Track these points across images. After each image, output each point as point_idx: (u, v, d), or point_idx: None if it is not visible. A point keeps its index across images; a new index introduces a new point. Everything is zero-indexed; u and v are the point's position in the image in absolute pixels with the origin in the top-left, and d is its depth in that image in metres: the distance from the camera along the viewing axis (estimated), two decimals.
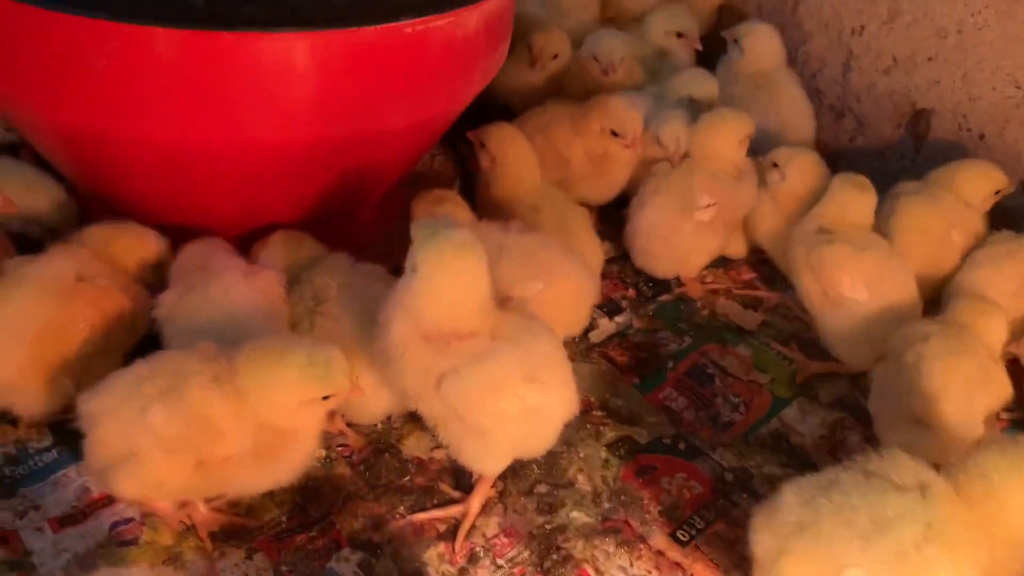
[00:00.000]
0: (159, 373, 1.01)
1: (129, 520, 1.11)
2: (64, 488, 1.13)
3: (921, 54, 1.72)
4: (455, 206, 1.32)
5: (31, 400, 1.14)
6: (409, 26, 1.07)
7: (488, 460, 1.11)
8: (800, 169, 1.51)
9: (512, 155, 1.43)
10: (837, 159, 1.80)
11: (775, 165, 1.54)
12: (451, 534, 1.14)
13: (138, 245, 1.24)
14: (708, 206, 1.53)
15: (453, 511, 1.15)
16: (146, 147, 1.10)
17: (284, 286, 1.17)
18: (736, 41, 1.78)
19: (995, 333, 1.24)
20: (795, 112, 1.76)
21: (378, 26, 1.04)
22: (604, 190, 1.63)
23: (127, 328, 1.19)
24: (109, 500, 1.12)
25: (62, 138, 1.17)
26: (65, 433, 1.19)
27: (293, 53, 1.02)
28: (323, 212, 1.29)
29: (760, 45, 1.77)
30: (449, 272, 0.99)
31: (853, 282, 1.35)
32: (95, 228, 1.23)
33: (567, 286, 1.31)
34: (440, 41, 1.12)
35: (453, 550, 1.11)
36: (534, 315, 1.10)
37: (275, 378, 0.99)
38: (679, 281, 1.63)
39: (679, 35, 1.87)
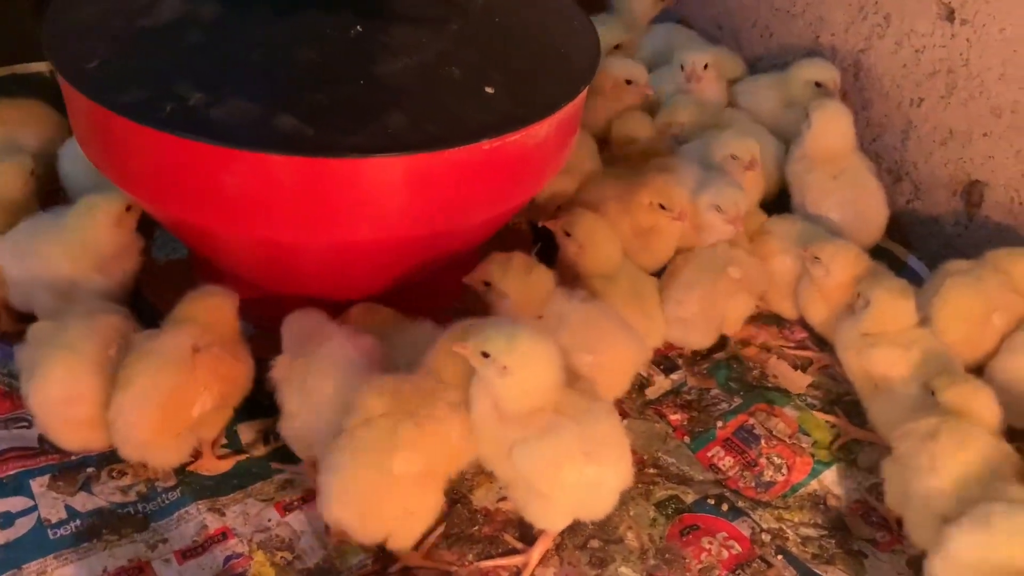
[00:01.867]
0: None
1: (240, 555, 1.30)
2: (186, 523, 1.33)
3: (977, 130, 1.80)
4: (538, 271, 1.46)
5: (163, 454, 1.34)
6: (487, 144, 1.22)
7: (549, 519, 1.28)
8: (843, 264, 1.61)
9: (600, 240, 1.57)
10: (894, 221, 1.89)
11: (817, 259, 1.63)
12: None
13: (228, 307, 1.39)
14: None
15: (516, 560, 1.31)
16: (261, 245, 1.29)
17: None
18: (807, 115, 1.83)
19: (990, 410, 1.33)
20: (871, 205, 1.83)
21: (461, 147, 1.20)
22: (651, 262, 1.73)
23: (238, 386, 1.38)
24: (223, 536, 1.32)
25: (192, 234, 1.37)
26: (185, 475, 1.40)
27: (390, 173, 1.19)
28: (407, 286, 1.45)
29: (830, 123, 1.82)
30: (533, 372, 1.17)
31: (904, 380, 1.44)
32: (192, 303, 1.37)
33: (618, 355, 1.45)
34: (514, 152, 1.27)
35: None
36: (596, 394, 1.26)
37: None
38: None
39: None
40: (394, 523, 1.21)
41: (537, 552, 1.31)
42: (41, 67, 2.05)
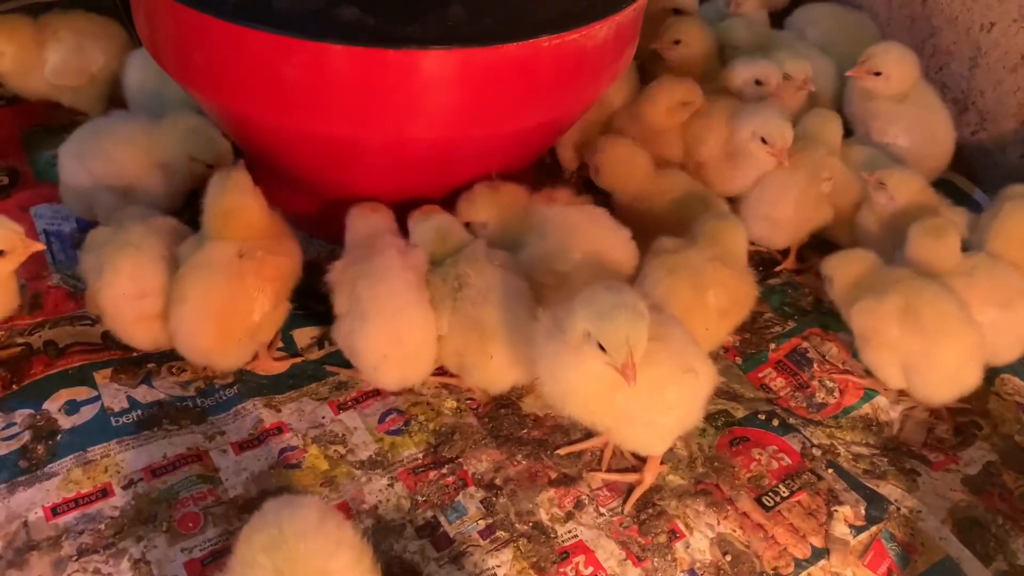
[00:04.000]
0: None
1: (294, 448, 1.33)
2: (243, 418, 1.36)
3: None
4: (505, 187, 1.46)
5: (224, 359, 1.38)
6: (546, 41, 1.22)
7: (658, 444, 1.26)
8: (907, 192, 1.58)
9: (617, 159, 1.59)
10: (958, 153, 1.84)
11: (882, 184, 1.60)
12: (560, 482, 1.31)
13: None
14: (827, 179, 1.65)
15: (630, 477, 1.31)
16: (318, 139, 1.30)
17: (428, 265, 1.36)
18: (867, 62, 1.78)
19: None
20: (939, 130, 1.79)
21: (520, 43, 1.20)
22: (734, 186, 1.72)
23: (289, 279, 1.40)
24: (278, 431, 1.35)
25: (249, 127, 1.39)
26: (243, 374, 1.43)
27: (447, 67, 1.19)
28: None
29: (895, 67, 1.77)
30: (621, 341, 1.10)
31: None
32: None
33: (607, 252, 1.41)
34: (573, 52, 1.26)
35: (563, 496, 1.28)
36: (660, 306, 1.23)
37: None
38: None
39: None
40: None
41: (650, 474, 1.30)
42: None
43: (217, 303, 1.31)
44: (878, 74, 1.76)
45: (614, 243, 1.41)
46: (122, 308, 1.35)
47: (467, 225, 1.43)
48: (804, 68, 1.78)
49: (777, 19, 2.11)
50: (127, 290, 1.33)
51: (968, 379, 1.40)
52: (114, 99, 1.85)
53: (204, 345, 1.34)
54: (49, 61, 1.74)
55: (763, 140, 1.64)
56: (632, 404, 1.15)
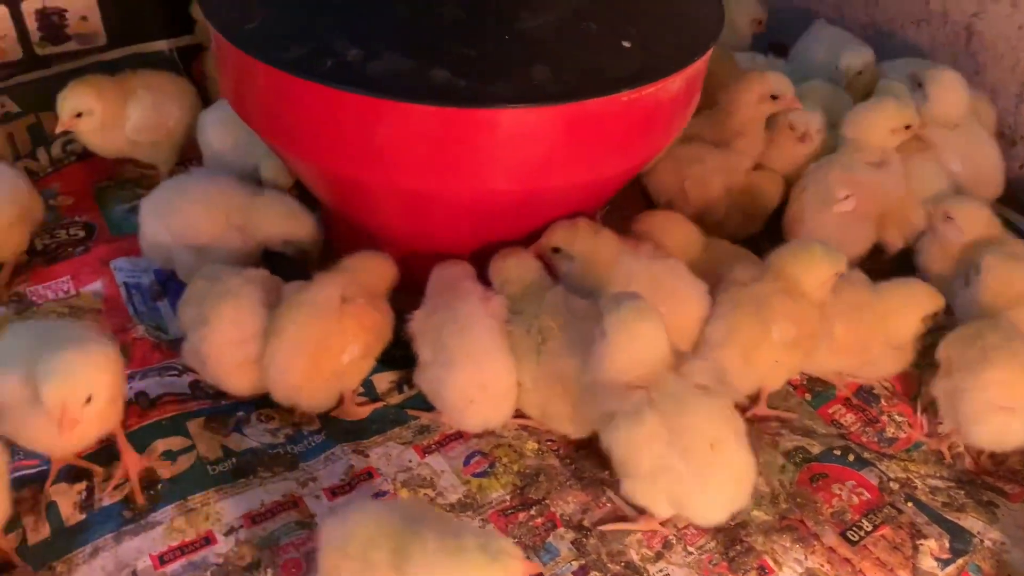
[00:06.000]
0: None
1: (385, 492, 1.36)
2: (333, 464, 1.40)
3: None
4: (604, 233, 1.49)
5: (312, 398, 1.41)
6: (625, 96, 1.27)
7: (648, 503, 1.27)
8: (977, 226, 1.62)
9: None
10: (1008, 187, 1.87)
11: (950, 218, 1.63)
12: None
13: (383, 270, 1.49)
14: (846, 198, 1.66)
15: (639, 526, 1.32)
16: (405, 194, 1.35)
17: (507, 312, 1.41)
18: (920, 85, 1.81)
19: None
20: (990, 158, 1.83)
21: (600, 98, 1.25)
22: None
23: (380, 337, 1.45)
24: (368, 475, 1.38)
25: (336, 184, 1.44)
26: (328, 420, 1.47)
27: (532, 124, 1.24)
28: (533, 238, 1.50)
29: (946, 93, 1.79)
30: (629, 336, 1.20)
31: None
32: (351, 259, 1.46)
33: (685, 310, 1.45)
34: (649, 105, 1.31)
35: (650, 537, 1.31)
36: (707, 387, 1.23)
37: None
38: None
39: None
40: None
41: (643, 522, 1.31)
42: (161, 46, 2.15)
43: (313, 339, 1.35)
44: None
45: (692, 296, 1.46)
46: (224, 354, 1.39)
47: (553, 251, 1.46)
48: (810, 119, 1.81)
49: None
50: (230, 336, 1.38)
51: None
52: (185, 153, 1.92)
53: (293, 381, 1.38)
54: (131, 118, 1.80)
55: (790, 127, 1.74)
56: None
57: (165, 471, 1.36)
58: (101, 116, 1.76)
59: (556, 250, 1.47)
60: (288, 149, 1.40)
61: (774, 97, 1.78)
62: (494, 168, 1.29)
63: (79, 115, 1.74)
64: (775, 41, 2.24)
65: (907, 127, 1.71)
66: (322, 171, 1.41)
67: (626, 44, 1.32)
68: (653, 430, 1.19)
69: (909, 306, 1.51)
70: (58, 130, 1.76)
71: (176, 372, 1.53)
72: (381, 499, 1.33)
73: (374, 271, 1.47)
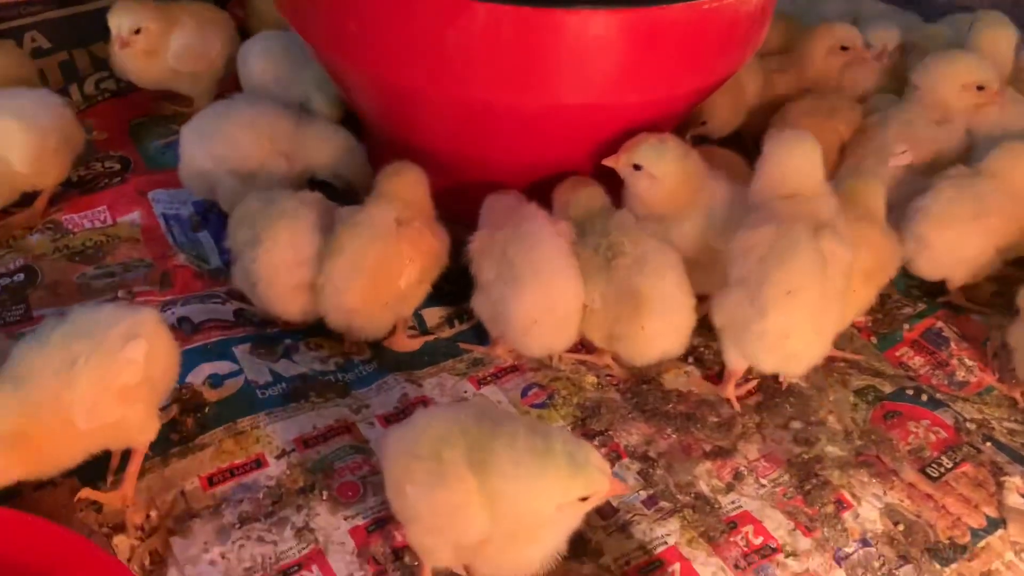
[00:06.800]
0: None
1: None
2: (387, 392, 1.34)
3: None
4: (693, 155, 1.41)
5: (368, 323, 1.35)
6: (707, 3, 1.21)
7: None
8: None
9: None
10: None
11: None
12: (715, 454, 1.28)
13: (417, 179, 1.41)
14: (903, 152, 1.60)
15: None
16: (472, 108, 1.29)
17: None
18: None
19: None
20: None
21: (681, 3, 1.19)
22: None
23: (436, 261, 1.40)
24: (423, 404, 1.32)
25: (396, 99, 1.38)
26: (379, 349, 1.42)
27: (608, 29, 1.19)
28: (598, 164, 1.43)
29: None
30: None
31: None
32: (386, 180, 1.39)
33: None
34: (729, 16, 1.26)
35: (720, 467, 1.25)
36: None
37: (535, 486, 0.95)
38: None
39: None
40: None
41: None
42: None
43: (371, 261, 1.30)
44: None
45: None
46: (280, 276, 1.33)
47: (635, 168, 1.36)
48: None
49: None
50: (285, 257, 1.32)
51: None
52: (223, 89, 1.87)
53: (350, 303, 1.32)
54: (174, 45, 1.74)
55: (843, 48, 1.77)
56: None
57: (212, 395, 1.30)
58: (149, 38, 1.70)
59: (637, 167, 1.36)
60: (348, 60, 1.35)
61: (844, 48, 1.76)
62: (564, 78, 1.23)
63: (137, 31, 1.69)
64: None
65: (980, 88, 1.64)
66: (383, 85, 1.35)
67: None
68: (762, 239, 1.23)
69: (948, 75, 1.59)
70: (119, 47, 1.70)
71: (220, 300, 1.47)
72: None
73: (417, 187, 1.40)
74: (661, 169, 1.34)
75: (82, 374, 1.04)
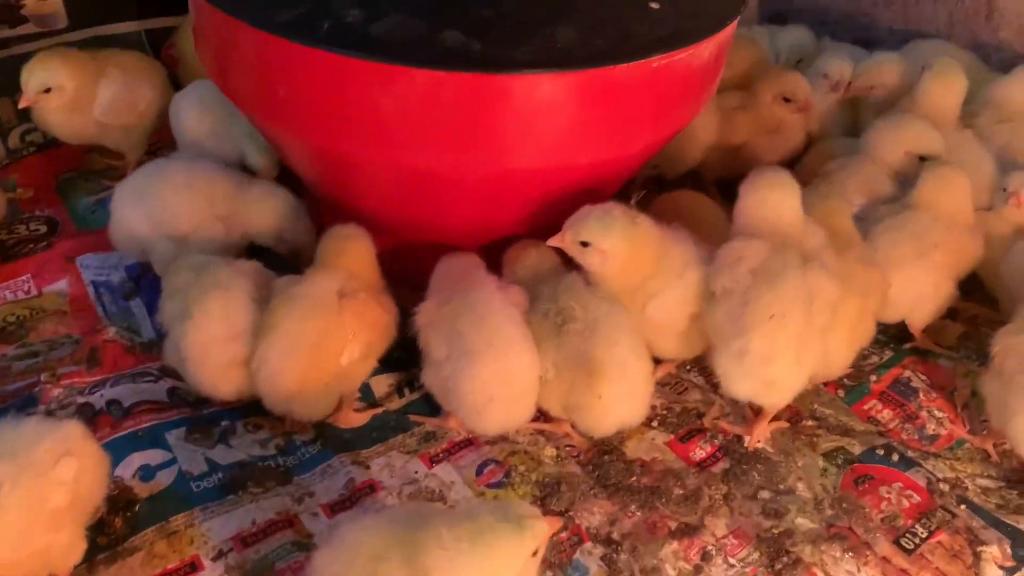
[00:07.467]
0: None
1: (390, 507, 1.23)
2: (331, 477, 1.26)
3: None
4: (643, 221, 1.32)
5: (308, 405, 1.27)
6: (656, 61, 1.15)
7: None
8: None
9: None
10: None
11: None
12: (682, 532, 1.21)
13: (361, 248, 1.33)
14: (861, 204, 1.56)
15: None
16: (414, 174, 1.22)
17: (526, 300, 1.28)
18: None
19: None
20: None
21: (631, 63, 1.13)
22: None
23: (384, 335, 1.32)
24: (371, 489, 1.25)
25: (334, 165, 1.30)
26: (323, 428, 1.33)
27: (554, 92, 1.12)
28: (553, 224, 1.36)
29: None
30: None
31: None
32: (329, 247, 1.31)
33: None
34: (681, 72, 1.20)
35: (687, 547, 1.19)
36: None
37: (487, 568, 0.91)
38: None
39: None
40: None
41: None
42: (129, 27, 2.00)
43: (309, 338, 1.22)
44: None
45: None
46: (211, 353, 1.25)
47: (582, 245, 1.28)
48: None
49: None
50: (217, 332, 1.24)
51: None
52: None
53: (287, 385, 1.24)
54: (100, 98, 1.65)
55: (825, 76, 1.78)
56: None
57: (143, 490, 1.21)
58: (74, 94, 1.60)
59: (585, 244, 1.27)
60: (279, 126, 1.26)
61: (787, 100, 1.72)
62: (511, 143, 1.16)
63: (47, 90, 1.58)
64: (776, 10, 2.15)
65: (922, 159, 1.60)
66: (317, 150, 1.27)
67: (655, 6, 1.20)
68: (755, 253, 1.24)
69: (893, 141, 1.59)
70: (22, 104, 1.60)
71: (152, 378, 1.38)
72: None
73: (361, 254, 1.32)
74: (610, 242, 1.25)
75: (8, 501, 0.95)
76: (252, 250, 1.53)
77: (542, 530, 0.94)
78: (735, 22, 1.29)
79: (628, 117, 1.20)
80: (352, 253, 1.31)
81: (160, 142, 1.77)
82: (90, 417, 1.31)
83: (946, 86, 1.68)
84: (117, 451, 1.25)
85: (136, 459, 1.24)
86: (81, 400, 1.33)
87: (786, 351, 1.23)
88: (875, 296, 1.39)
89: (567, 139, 1.17)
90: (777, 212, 1.29)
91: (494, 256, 1.36)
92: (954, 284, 1.50)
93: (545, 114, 1.14)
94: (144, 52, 1.93)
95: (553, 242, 1.27)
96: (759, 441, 1.34)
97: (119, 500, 1.19)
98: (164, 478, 1.23)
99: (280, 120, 1.24)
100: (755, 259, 1.23)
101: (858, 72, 1.84)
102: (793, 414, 1.41)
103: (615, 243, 1.25)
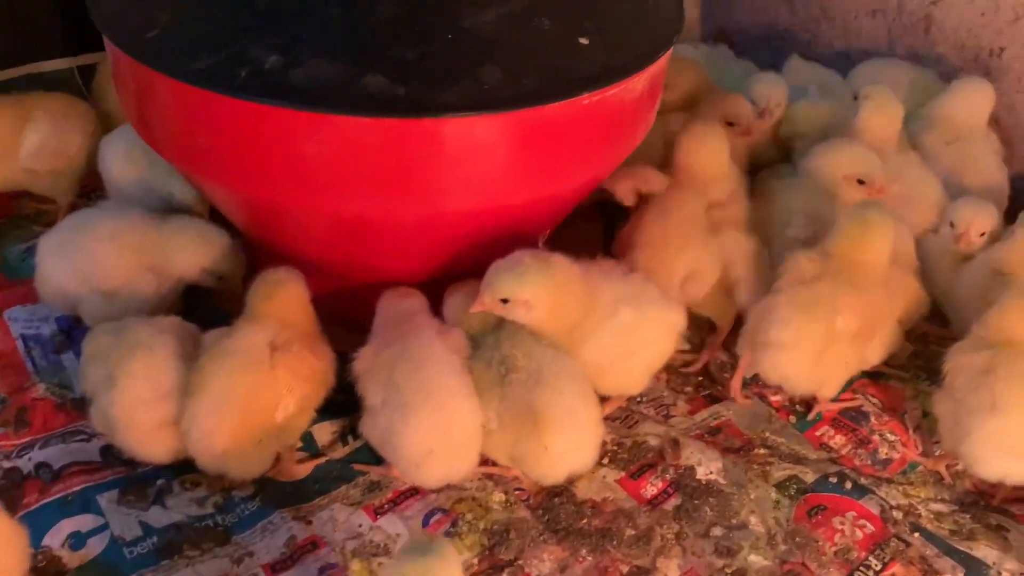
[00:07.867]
0: None
1: (333, 565, 1.19)
2: (272, 535, 1.22)
3: None
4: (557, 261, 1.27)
5: (244, 464, 1.22)
6: (587, 98, 1.12)
7: None
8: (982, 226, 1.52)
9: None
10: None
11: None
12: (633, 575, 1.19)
13: (296, 293, 1.28)
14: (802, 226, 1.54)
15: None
16: (342, 220, 1.19)
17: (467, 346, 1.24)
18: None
19: None
20: (990, 178, 1.72)
21: (560, 102, 1.10)
22: None
23: (320, 386, 1.28)
24: (313, 546, 1.20)
25: (260, 211, 1.26)
26: (265, 483, 1.29)
27: (485, 133, 1.09)
28: (488, 263, 1.34)
29: (963, 100, 1.74)
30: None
31: None
32: (257, 297, 1.26)
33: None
34: (613, 107, 1.18)
35: None
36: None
37: None
38: None
39: None
40: None
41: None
42: (60, 64, 1.94)
43: (240, 396, 1.18)
44: None
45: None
46: (137, 416, 1.20)
47: (504, 302, 1.23)
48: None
49: None
50: (142, 395, 1.19)
51: None
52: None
53: (220, 445, 1.19)
54: (27, 144, 1.59)
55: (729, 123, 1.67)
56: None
57: (73, 560, 1.15)
58: None
59: (505, 300, 1.22)
60: (201, 175, 1.22)
61: (730, 123, 1.66)
62: (442, 186, 1.13)
63: None
64: (718, 27, 2.15)
65: (860, 182, 1.56)
66: (242, 198, 1.23)
67: (583, 41, 1.18)
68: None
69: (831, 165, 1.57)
70: None
71: (84, 437, 1.33)
72: None
73: (293, 300, 1.27)
74: (528, 291, 1.20)
75: None
76: (192, 293, 1.48)
77: (453, 559, 0.92)
78: (668, 52, 1.27)
79: (561, 155, 1.17)
80: (284, 300, 1.26)
81: (92, 185, 1.71)
82: (17, 482, 1.25)
83: (882, 115, 1.66)
84: (45, 519, 1.20)
85: (66, 526, 1.19)
86: (8, 464, 1.28)
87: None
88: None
89: (500, 180, 1.15)
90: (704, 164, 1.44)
91: (437, 290, 1.33)
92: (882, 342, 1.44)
93: (475, 156, 1.11)
94: (76, 90, 1.88)
95: (476, 309, 1.22)
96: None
97: (47, 573, 1.14)
98: (95, 545, 1.18)
99: (203, 169, 1.20)
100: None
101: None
102: (744, 442, 1.39)
103: (534, 290, 1.20)
